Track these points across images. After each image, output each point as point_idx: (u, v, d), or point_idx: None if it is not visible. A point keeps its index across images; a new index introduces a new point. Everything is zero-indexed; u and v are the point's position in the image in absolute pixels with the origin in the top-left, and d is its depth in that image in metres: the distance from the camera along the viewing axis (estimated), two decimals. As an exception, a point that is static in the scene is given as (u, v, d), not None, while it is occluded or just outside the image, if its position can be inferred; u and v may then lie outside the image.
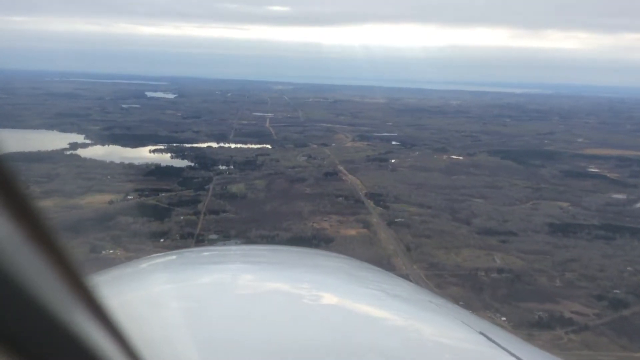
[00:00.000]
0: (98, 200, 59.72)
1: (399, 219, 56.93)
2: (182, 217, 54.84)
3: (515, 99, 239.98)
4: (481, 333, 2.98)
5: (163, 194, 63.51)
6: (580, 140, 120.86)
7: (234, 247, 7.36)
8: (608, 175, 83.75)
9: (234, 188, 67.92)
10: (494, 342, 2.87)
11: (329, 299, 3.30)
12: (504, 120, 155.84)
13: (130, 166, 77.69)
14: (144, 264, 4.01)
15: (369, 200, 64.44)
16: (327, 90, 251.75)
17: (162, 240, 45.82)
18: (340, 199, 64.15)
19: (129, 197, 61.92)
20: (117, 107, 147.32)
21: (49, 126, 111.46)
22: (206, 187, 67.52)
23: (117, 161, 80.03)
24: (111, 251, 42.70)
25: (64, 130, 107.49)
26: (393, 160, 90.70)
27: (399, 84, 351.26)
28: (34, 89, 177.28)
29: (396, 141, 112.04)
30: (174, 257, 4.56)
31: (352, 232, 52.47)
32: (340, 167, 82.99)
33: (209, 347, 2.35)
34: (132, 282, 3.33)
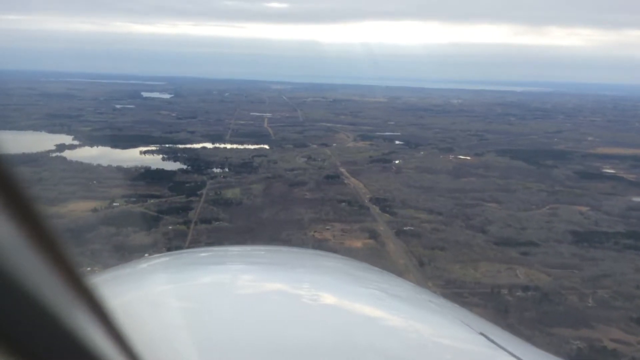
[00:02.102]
0: (81, 207, 55.04)
1: (408, 228, 52.27)
2: (170, 227, 50.11)
3: (517, 97, 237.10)
4: (481, 333, 2.97)
5: (152, 201, 58.94)
6: (589, 138, 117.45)
7: (233, 248, 6.51)
8: (625, 176, 79.44)
9: (229, 193, 63.25)
10: (494, 342, 2.86)
11: (328, 299, 3.25)
12: (508, 118, 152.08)
13: (119, 169, 73.21)
14: (144, 264, 3.92)
15: (374, 206, 59.81)
16: (326, 90, 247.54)
17: (145, 255, 41.11)
18: (343, 204, 59.50)
19: (115, 204, 57.17)
20: (110, 108, 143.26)
21: (38, 127, 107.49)
22: (199, 192, 62.86)
23: (105, 164, 75.57)
24: (88, 269, 38.05)
25: (52, 131, 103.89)
26: (397, 161, 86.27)
27: (399, 83, 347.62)
28: (27, 89, 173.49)
29: (399, 141, 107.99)
30: (174, 257, 4.56)
31: (358, 243, 47.77)
32: (342, 169, 78.54)
33: (208, 347, 2.33)
34: (132, 282, 3.30)
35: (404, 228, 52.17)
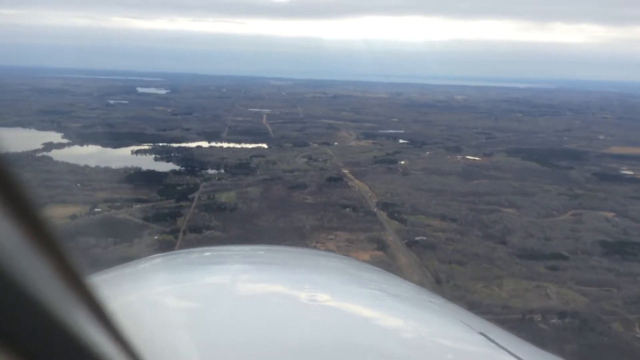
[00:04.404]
0: (59, 213, 49.84)
1: (420, 237, 47.31)
2: (156, 237, 45.20)
3: (521, 94, 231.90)
4: (481, 333, 2.95)
5: (138, 206, 54.04)
6: (601, 137, 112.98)
7: (233, 248, 6.06)
8: (646, 178, 74.51)
9: (223, 197, 58.33)
10: (494, 342, 2.84)
11: (328, 299, 3.22)
12: (515, 115, 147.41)
13: (107, 170, 68.20)
14: (144, 264, 3.91)
15: (381, 212, 54.87)
16: (326, 86, 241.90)
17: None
18: (348, 210, 54.63)
19: (97, 209, 52.22)
20: (103, 103, 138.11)
21: (27, 124, 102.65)
22: (190, 196, 58.03)
23: (93, 164, 70.62)
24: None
25: (42, 128, 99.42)
26: (403, 162, 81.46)
27: (401, 79, 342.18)
28: (21, 85, 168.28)
29: (404, 139, 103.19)
30: (174, 257, 4.49)
31: (365, 256, 42.62)
32: (345, 171, 73.63)
33: (208, 347, 2.34)
34: (132, 282, 3.28)
35: (416, 238, 47.21)
